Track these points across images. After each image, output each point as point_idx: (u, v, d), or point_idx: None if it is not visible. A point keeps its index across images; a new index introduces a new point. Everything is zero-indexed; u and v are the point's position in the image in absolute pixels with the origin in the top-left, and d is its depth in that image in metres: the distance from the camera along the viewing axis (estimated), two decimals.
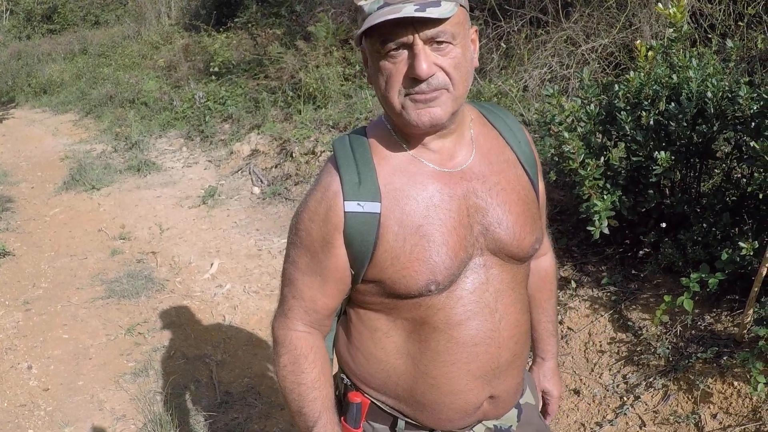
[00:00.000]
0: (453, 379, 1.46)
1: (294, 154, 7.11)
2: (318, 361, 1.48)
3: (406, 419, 1.54)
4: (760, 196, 3.01)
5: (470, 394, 1.49)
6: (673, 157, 3.20)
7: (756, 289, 2.85)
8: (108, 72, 12.78)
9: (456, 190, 1.41)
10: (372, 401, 1.56)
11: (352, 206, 1.35)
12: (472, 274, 1.42)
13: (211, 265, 5.47)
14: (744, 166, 3.25)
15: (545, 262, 1.83)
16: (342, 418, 1.57)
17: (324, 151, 6.77)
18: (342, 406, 1.61)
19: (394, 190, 1.38)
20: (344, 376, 1.60)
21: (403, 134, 1.42)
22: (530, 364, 1.89)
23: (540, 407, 1.88)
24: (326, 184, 1.40)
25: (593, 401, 3.25)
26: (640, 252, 3.82)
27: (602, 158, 3.43)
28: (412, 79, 1.28)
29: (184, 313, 4.74)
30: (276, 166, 7.34)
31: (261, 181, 7.24)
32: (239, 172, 7.58)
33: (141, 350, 4.26)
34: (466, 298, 1.42)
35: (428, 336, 1.44)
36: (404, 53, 1.28)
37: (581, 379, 3.37)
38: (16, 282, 5.38)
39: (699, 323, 3.23)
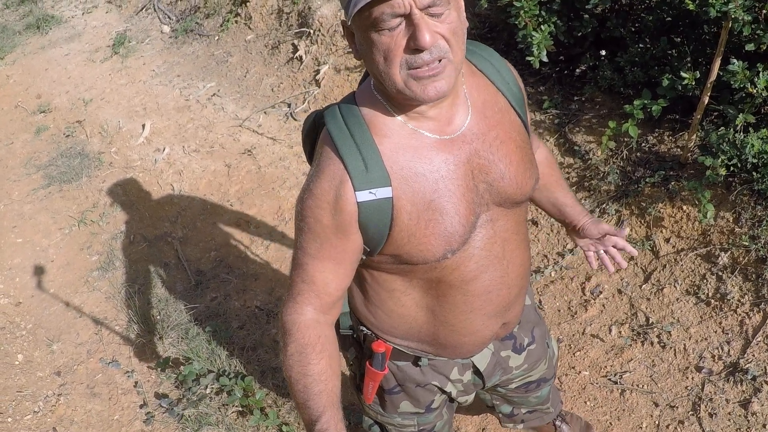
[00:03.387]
0: (471, 323, 1.58)
1: None
2: (326, 352, 1.46)
3: (429, 356, 1.67)
4: (691, 6, 3.01)
5: (486, 330, 1.63)
6: None
7: (698, 117, 2.95)
8: None
9: (460, 156, 1.40)
10: (395, 347, 1.66)
11: (364, 195, 1.33)
12: (481, 231, 1.46)
13: (143, 127, 5.31)
14: None
15: (543, 152, 1.87)
16: (367, 362, 1.67)
17: None
18: (363, 351, 1.72)
19: (401, 169, 1.35)
20: (364, 328, 1.68)
21: (398, 105, 1.37)
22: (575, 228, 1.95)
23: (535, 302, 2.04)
24: (331, 173, 1.35)
25: (552, 231, 3.43)
26: (577, 70, 3.85)
27: None
28: (413, 50, 1.23)
29: (131, 188, 4.67)
30: None
31: (169, 17, 6.83)
32: (144, 10, 7.11)
33: (100, 240, 4.24)
34: (478, 255, 1.48)
35: (445, 292, 1.51)
36: (401, 24, 1.22)
37: (537, 209, 3.51)
38: None
39: (643, 145, 3.35)
